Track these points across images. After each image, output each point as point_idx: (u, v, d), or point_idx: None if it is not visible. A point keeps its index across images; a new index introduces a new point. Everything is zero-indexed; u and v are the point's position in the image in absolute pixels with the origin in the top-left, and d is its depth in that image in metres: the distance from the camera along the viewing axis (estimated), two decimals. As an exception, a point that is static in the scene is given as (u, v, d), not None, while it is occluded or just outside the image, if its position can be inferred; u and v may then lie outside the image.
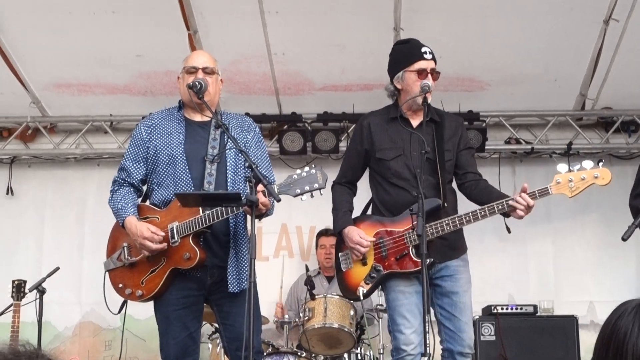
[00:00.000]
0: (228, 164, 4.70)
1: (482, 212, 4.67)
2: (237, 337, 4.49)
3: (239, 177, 4.71)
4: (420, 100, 4.77)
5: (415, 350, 4.69)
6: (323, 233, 7.86)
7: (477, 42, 7.04)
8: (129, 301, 4.83)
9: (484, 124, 7.98)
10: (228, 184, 4.67)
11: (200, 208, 4.53)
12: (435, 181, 4.80)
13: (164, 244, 4.59)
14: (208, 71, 4.79)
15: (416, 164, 4.73)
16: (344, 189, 5.12)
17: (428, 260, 4.37)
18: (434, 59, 4.89)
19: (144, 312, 7.73)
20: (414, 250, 4.75)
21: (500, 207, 4.65)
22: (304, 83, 7.71)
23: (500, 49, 7.14)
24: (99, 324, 8.20)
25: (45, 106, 8.01)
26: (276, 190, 4.34)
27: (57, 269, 6.90)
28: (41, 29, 6.94)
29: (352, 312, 6.63)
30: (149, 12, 6.78)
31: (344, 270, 5.02)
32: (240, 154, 4.60)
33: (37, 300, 6.68)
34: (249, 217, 4.38)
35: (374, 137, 4.97)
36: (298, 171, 4.43)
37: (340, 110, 8.05)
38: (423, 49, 4.87)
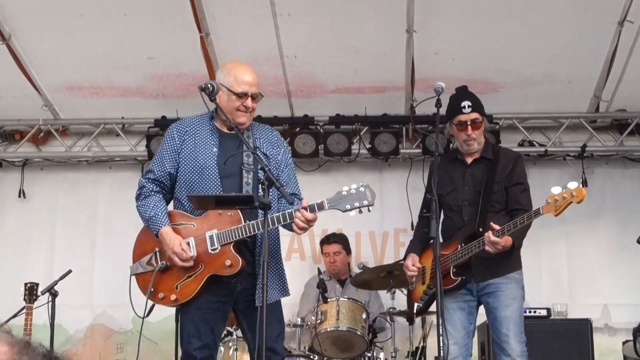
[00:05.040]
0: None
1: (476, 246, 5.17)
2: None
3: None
4: (465, 147, 5.41)
5: None
6: (325, 241, 7.80)
7: (490, 43, 7.00)
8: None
9: (497, 126, 7.93)
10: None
11: (242, 217, 4.56)
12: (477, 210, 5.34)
13: (190, 263, 4.58)
14: (255, 97, 4.74)
15: (464, 197, 5.38)
16: (422, 221, 5.59)
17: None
18: (475, 109, 5.36)
19: (156, 314, 7.77)
20: (453, 270, 5.25)
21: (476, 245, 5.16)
22: (316, 85, 7.68)
23: (514, 50, 7.10)
24: (111, 327, 8.21)
25: (57, 109, 8.02)
26: (326, 205, 4.51)
27: (70, 271, 6.90)
28: (53, 31, 6.95)
29: (364, 316, 6.60)
30: (161, 15, 6.78)
31: (410, 289, 5.62)
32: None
33: (50, 303, 6.68)
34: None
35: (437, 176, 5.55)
36: (346, 188, 4.57)
37: (353, 113, 8.02)
38: (463, 103, 5.36)
